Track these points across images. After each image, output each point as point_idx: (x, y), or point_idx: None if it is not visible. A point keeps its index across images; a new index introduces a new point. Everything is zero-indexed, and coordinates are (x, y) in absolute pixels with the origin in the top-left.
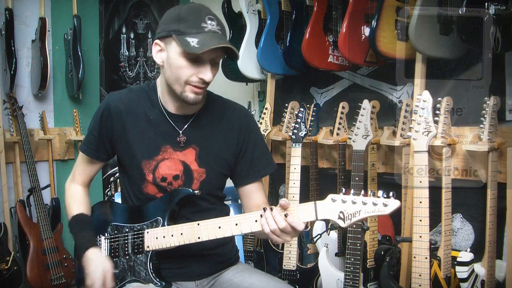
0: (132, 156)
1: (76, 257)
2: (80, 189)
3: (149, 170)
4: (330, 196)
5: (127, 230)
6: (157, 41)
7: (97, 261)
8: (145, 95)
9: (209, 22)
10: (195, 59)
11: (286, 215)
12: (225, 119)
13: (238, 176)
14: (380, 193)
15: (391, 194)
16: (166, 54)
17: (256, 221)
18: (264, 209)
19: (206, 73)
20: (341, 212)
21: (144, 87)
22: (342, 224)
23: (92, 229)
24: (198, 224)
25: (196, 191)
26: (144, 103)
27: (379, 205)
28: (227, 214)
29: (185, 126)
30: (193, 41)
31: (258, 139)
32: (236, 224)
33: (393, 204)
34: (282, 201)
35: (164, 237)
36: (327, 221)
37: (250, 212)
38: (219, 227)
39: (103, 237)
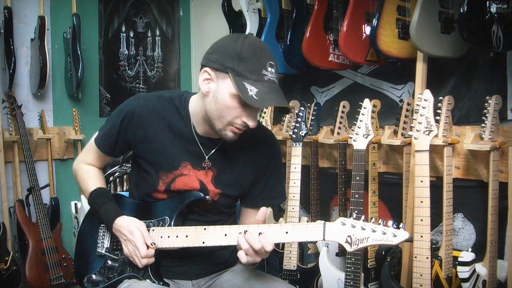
0: (149, 163)
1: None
2: (93, 168)
3: (164, 182)
4: (340, 219)
5: None
6: (207, 69)
7: (130, 225)
8: (173, 106)
9: (269, 69)
10: (245, 103)
11: (259, 234)
12: (251, 147)
13: (246, 199)
14: (390, 223)
15: (401, 225)
16: (215, 87)
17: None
18: (241, 232)
19: (252, 120)
20: (349, 236)
21: (174, 98)
22: (348, 248)
23: (114, 201)
24: (205, 229)
25: (207, 197)
26: (171, 115)
27: (388, 234)
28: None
29: (212, 152)
30: (251, 90)
31: (276, 169)
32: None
33: (402, 235)
34: (259, 215)
35: (168, 237)
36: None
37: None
38: (225, 235)
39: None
